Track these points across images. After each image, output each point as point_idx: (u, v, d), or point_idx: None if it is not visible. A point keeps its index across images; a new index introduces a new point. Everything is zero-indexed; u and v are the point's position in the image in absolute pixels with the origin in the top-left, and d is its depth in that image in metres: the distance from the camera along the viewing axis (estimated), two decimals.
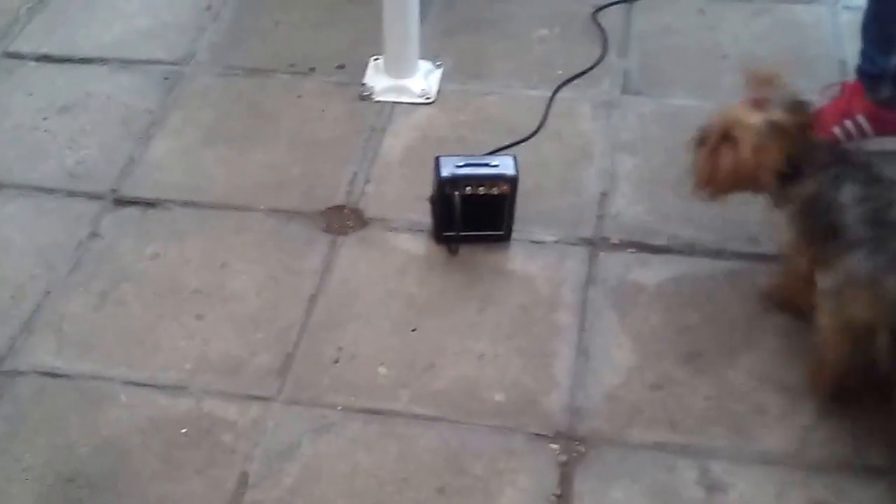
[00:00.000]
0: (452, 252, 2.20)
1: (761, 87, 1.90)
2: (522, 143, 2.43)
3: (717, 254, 2.19)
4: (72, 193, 2.38)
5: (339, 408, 1.93)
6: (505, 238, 2.22)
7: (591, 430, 1.88)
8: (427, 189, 2.21)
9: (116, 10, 2.95)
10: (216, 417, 1.91)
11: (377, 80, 2.63)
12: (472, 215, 2.14)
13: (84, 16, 2.93)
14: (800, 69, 2.63)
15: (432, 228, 2.24)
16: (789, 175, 1.90)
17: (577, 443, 1.86)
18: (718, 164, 1.94)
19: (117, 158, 2.46)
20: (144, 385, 1.97)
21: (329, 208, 2.31)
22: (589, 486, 1.79)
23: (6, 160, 2.47)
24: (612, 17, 2.86)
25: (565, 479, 1.80)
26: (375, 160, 2.44)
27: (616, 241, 2.23)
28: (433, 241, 2.23)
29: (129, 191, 2.38)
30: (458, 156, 2.18)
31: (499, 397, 1.94)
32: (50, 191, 2.39)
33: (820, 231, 1.87)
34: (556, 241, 2.23)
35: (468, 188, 2.12)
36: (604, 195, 2.34)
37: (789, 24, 2.84)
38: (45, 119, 2.58)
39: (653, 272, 2.17)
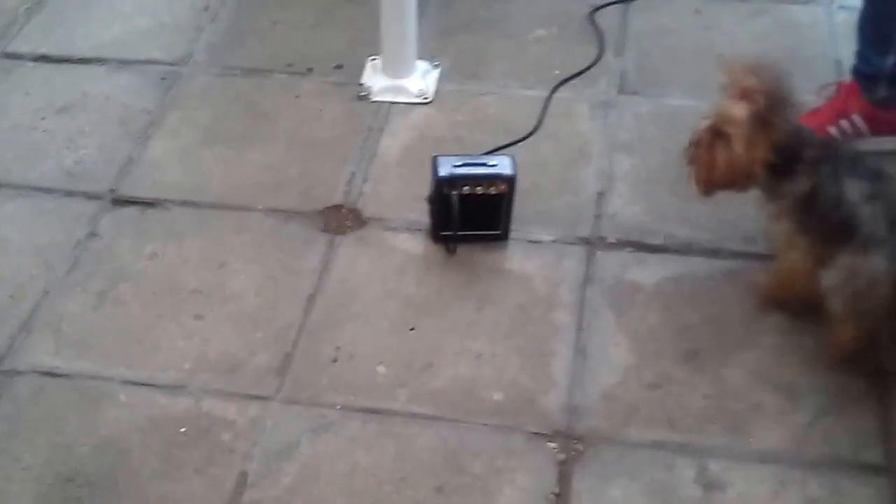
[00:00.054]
0: (450, 251, 2.21)
1: (743, 79, 1.92)
2: (520, 143, 2.43)
3: (714, 253, 2.20)
4: (70, 193, 2.38)
5: (338, 407, 1.93)
6: (503, 238, 2.22)
7: (590, 428, 1.89)
8: (425, 189, 2.22)
9: (114, 10, 2.95)
10: (215, 417, 1.92)
11: (375, 80, 2.64)
12: (469, 215, 2.15)
13: (82, 16, 2.93)
14: (796, 69, 2.62)
15: (430, 228, 2.24)
16: (781, 169, 1.92)
17: (575, 441, 1.87)
18: (714, 162, 1.96)
19: (115, 158, 2.47)
20: (143, 384, 1.97)
21: (327, 208, 2.32)
22: (587, 485, 1.80)
23: (4, 160, 2.48)
24: (609, 18, 2.87)
25: (564, 478, 1.81)
26: (373, 160, 2.44)
27: (613, 241, 2.24)
28: (431, 241, 2.23)
29: (127, 191, 2.38)
30: (456, 155, 2.18)
31: (497, 396, 1.94)
32: (48, 191, 2.39)
33: (825, 227, 1.89)
34: (553, 241, 2.24)
35: (466, 188, 2.13)
36: (601, 195, 2.35)
37: (785, 24, 2.85)
38: (43, 119, 2.59)
39: (650, 271, 2.17)
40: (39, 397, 1.96)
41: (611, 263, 2.19)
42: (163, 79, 2.70)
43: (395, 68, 2.62)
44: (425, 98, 2.60)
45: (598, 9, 2.89)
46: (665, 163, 2.36)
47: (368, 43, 2.68)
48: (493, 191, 2.15)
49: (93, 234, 2.28)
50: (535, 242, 2.23)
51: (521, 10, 2.91)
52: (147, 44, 2.82)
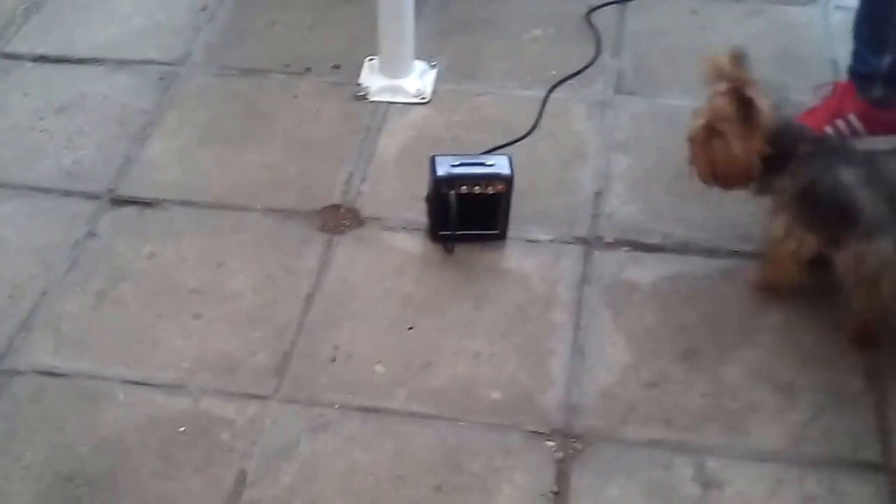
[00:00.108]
0: (448, 251, 2.21)
1: (723, 74, 1.96)
2: (517, 143, 2.44)
3: (711, 252, 2.21)
4: (69, 193, 2.38)
5: (337, 406, 1.93)
6: (500, 237, 2.23)
7: (588, 427, 1.89)
8: (422, 188, 2.22)
9: (112, 10, 2.96)
10: (214, 416, 1.92)
11: (372, 80, 2.64)
12: (467, 214, 2.15)
13: (80, 16, 2.93)
14: (792, 69, 2.66)
15: (428, 227, 2.24)
16: (775, 164, 1.95)
17: (573, 440, 1.87)
18: (714, 158, 2.01)
19: (114, 158, 2.47)
20: (142, 384, 1.98)
21: (325, 207, 2.32)
22: (585, 483, 1.81)
23: (3, 160, 2.48)
24: (606, 18, 2.88)
25: (562, 476, 1.82)
26: (371, 160, 2.45)
27: (610, 240, 2.25)
28: (429, 240, 2.24)
29: (125, 190, 2.39)
30: (454, 155, 2.19)
31: (495, 395, 1.95)
32: (47, 191, 2.39)
33: (827, 217, 1.93)
34: (551, 240, 2.25)
35: (464, 187, 2.13)
36: (598, 194, 2.35)
37: (781, 24, 2.85)
38: (41, 119, 2.59)
39: (647, 271, 2.18)
40: (39, 397, 1.96)
41: (608, 263, 2.20)
42: (161, 79, 2.70)
43: (393, 68, 2.63)
44: (423, 98, 2.61)
45: (594, 9, 2.90)
46: (662, 162, 2.37)
47: (366, 43, 2.68)
48: (490, 190, 2.15)
49: (91, 234, 2.28)
50: (532, 242, 2.24)
51: (518, 10, 2.91)
52: (145, 44, 2.82)
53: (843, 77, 2.43)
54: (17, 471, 1.84)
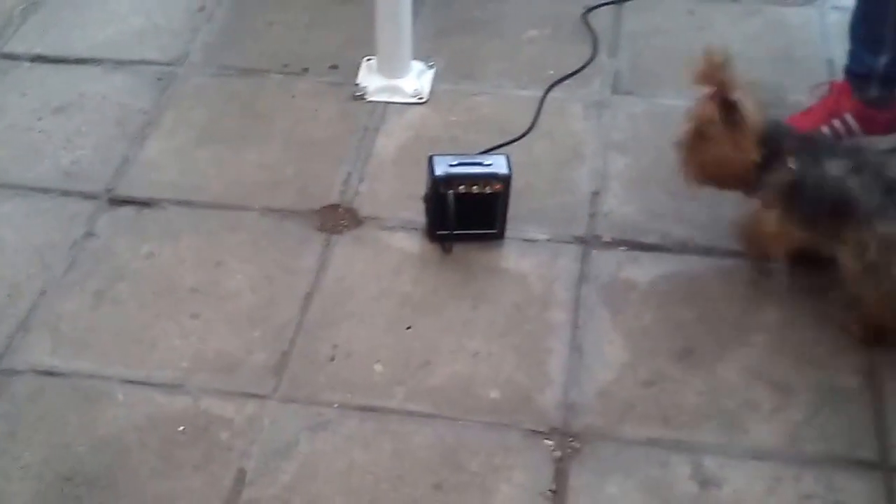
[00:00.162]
0: (446, 250, 2.22)
1: (708, 79, 1.98)
2: (514, 143, 2.44)
3: (708, 251, 2.21)
4: (67, 193, 2.39)
5: (335, 405, 1.94)
6: (498, 236, 2.23)
7: (586, 426, 1.90)
8: (420, 188, 2.23)
9: (110, 11, 2.96)
10: (213, 415, 1.92)
11: (370, 80, 2.65)
12: (465, 214, 2.16)
13: (78, 17, 2.94)
14: (788, 69, 2.68)
15: (426, 227, 2.25)
16: (764, 162, 1.98)
17: (571, 439, 1.88)
18: (703, 162, 2.04)
19: (112, 158, 2.47)
20: (141, 383, 1.98)
21: (323, 207, 2.33)
22: (584, 482, 1.81)
23: (1, 160, 2.48)
24: (603, 18, 2.88)
25: (560, 475, 1.82)
26: (369, 160, 2.45)
27: (608, 240, 2.25)
28: (427, 240, 2.24)
29: (124, 190, 2.39)
30: (452, 155, 2.19)
31: (494, 394, 1.95)
32: (45, 191, 2.39)
33: (819, 209, 1.95)
34: (548, 240, 2.25)
35: (462, 187, 2.14)
36: (595, 194, 2.36)
37: (777, 24, 2.86)
38: (39, 119, 2.59)
39: (644, 270, 2.19)
40: (38, 396, 1.96)
41: (605, 262, 2.20)
42: (159, 79, 2.71)
43: (391, 68, 2.63)
44: (420, 98, 2.61)
45: (591, 9, 2.90)
46: (659, 162, 2.38)
47: (364, 43, 2.69)
48: (488, 190, 2.16)
49: (90, 234, 2.28)
50: (530, 241, 2.25)
51: (515, 10, 2.92)
52: (143, 44, 2.83)
53: (840, 77, 2.44)
54: (17, 470, 1.84)
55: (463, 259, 2.21)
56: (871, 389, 1.94)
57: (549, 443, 1.87)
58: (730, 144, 1.98)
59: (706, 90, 1.99)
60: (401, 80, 2.63)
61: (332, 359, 2.02)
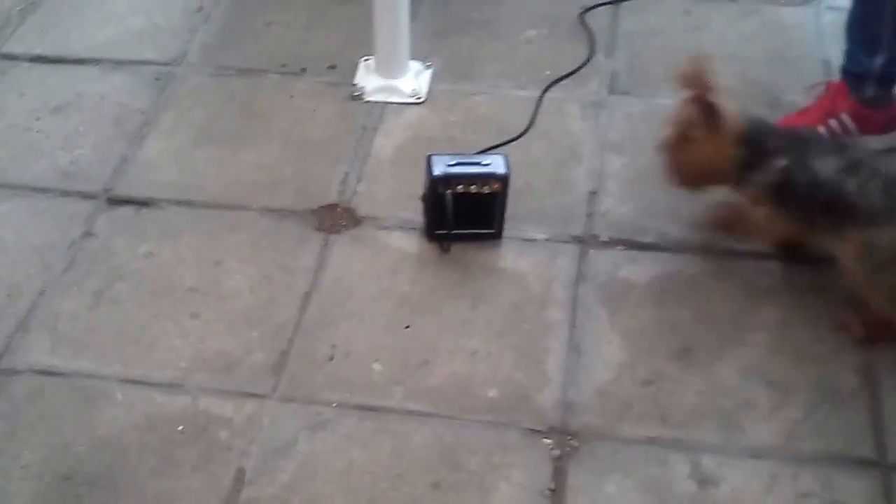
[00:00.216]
0: (444, 250, 2.22)
1: (688, 83, 2.00)
2: (512, 143, 2.45)
3: (706, 251, 2.22)
4: (65, 193, 2.39)
5: (334, 405, 1.94)
6: (496, 236, 2.24)
7: (584, 425, 1.90)
8: (418, 188, 2.23)
9: (108, 11, 2.96)
10: (212, 415, 1.93)
11: (368, 80, 2.65)
12: (463, 214, 2.16)
13: (76, 17, 2.94)
14: (784, 69, 2.68)
15: (424, 227, 2.25)
16: (749, 161, 2.01)
17: (569, 438, 1.88)
18: (686, 165, 2.08)
19: (110, 158, 2.47)
20: (140, 383, 1.98)
21: (322, 207, 2.33)
22: (582, 481, 1.82)
23: (0, 160, 2.48)
24: (599, 18, 2.89)
25: (559, 474, 1.83)
26: (367, 159, 2.45)
27: (605, 239, 2.26)
28: (425, 240, 2.25)
29: (122, 190, 2.39)
30: (450, 154, 2.20)
31: (492, 393, 1.96)
32: (44, 190, 2.39)
33: (812, 207, 1.97)
34: (546, 239, 2.26)
35: (460, 187, 2.14)
36: (593, 194, 2.36)
37: (774, 24, 2.87)
38: (38, 119, 2.59)
39: (642, 269, 2.19)
40: (37, 396, 1.96)
41: (603, 261, 2.21)
42: (157, 79, 2.71)
43: (389, 68, 2.64)
44: (418, 98, 2.62)
45: (588, 10, 2.91)
46: (656, 162, 2.37)
47: (361, 43, 2.69)
48: (486, 189, 2.16)
49: (88, 234, 2.29)
50: (528, 241, 2.25)
51: (512, 11, 2.93)
52: (141, 44, 2.83)
53: (836, 77, 2.44)
54: (16, 470, 1.84)
55: (461, 259, 2.21)
56: (869, 388, 1.95)
57: (548, 442, 1.88)
58: (711, 146, 2.01)
59: (687, 93, 2.01)
60: (399, 81, 2.63)
61: (331, 358, 2.02)
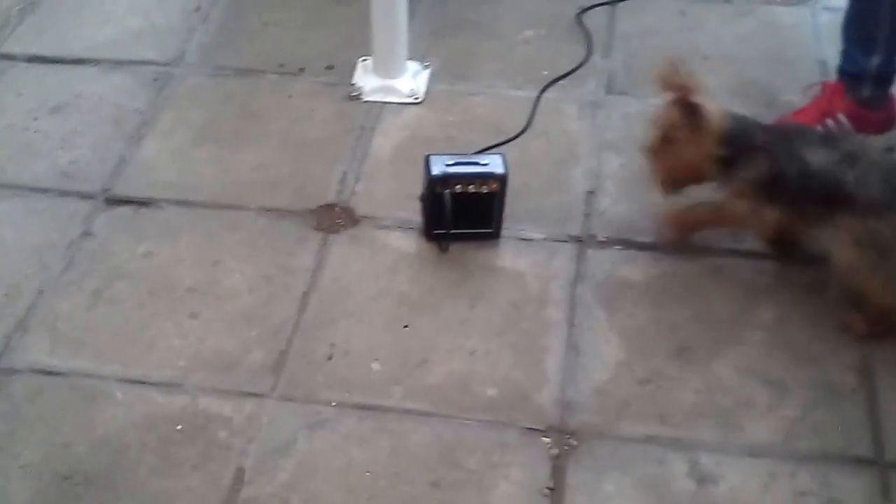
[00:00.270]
0: (443, 250, 2.22)
1: (669, 84, 2.02)
2: (510, 143, 2.45)
3: (703, 250, 2.22)
4: (64, 193, 2.39)
5: (333, 404, 1.95)
6: (495, 236, 2.24)
7: (582, 423, 1.91)
8: (417, 188, 2.24)
9: (107, 11, 2.96)
10: (211, 414, 1.93)
11: (366, 80, 2.66)
12: (462, 213, 2.17)
13: (75, 17, 2.94)
14: (780, 69, 2.69)
15: (423, 226, 2.26)
16: (731, 158, 2.02)
17: (568, 436, 1.89)
18: (669, 166, 2.09)
19: (109, 158, 2.47)
20: (139, 382, 1.99)
21: (320, 207, 2.33)
22: (581, 479, 1.82)
23: None
24: (597, 19, 2.90)
25: (558, 473, 1.83)
26: (365, 159, 2.46)
27: (603, 239, 2.26)
28: (424, 239, 2.25)
29: (121, 190, 2.39)
30: (448, 154, 2.20)
31: (491, 392, 1.96)
32: (42, 190, 2.40)
33: (804, 198, 1.98)
34: (544, 239, 2.26)
35: (458, 186, 2.15)
36: (590, 193, 2.37)
37: (769, 25, 2.88)
38: (36, 119, 2.59)
39: (640, 269, 2.20)
40: (36, 396, 1.96)
41: (601, 261, 2.21)
42: (155, 79, 2.71)
43: (386, 69, 2.64)
44: (416, 98, 2.62)
45: (585, 10, 2.91)
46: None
47: (359, 43, 2.69)
48: (485, 189, 2.17)
49: (87, 234, 2.29)
50: (526, 240, 2.26)
51: (509, 11, 2.93)
52: (139, 44, 2.83)
53: (832, 77, 2.45)
54: (16, 469, 1.84)
55: (459, 258, 2.22)
56: (866, 386, 1.96)
57: (547, 440, 1.88)
58: (693, 146, 2.02)
59: (668, 95, 2.02)
60: (397, 81, 2.64)
61: (330, 358, 2.02)
